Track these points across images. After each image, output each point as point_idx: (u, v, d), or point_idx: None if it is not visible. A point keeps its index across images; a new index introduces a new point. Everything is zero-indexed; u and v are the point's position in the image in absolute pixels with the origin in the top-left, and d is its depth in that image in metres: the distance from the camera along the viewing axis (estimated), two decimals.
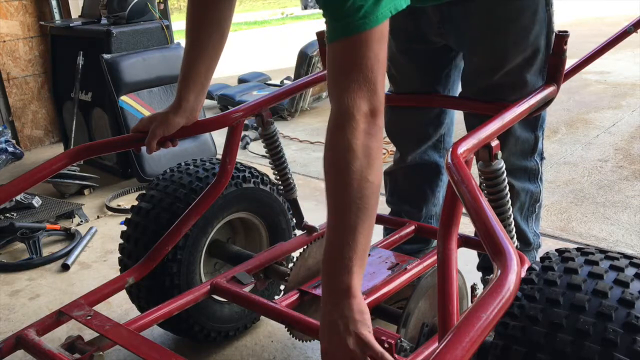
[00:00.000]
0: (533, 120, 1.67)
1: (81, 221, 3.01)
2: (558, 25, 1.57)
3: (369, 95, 1.12)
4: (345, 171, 1.10)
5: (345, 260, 1.08)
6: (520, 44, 1.58)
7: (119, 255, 1.76)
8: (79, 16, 3.98)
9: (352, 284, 1.07)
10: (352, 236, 1.09)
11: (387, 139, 2.10)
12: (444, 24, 1.67)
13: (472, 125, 1.64)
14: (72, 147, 3.59)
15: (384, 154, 3.60)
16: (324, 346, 1.10)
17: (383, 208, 2.13)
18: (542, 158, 1.76)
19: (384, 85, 1.16)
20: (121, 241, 1.76)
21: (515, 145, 1.67)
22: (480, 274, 1.87)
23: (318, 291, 1.56)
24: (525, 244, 1.80)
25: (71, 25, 3.64)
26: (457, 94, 1.85)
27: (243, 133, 3.67)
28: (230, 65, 7.42)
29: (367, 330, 1.05)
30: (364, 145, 1.10)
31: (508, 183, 1.43)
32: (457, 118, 1.97)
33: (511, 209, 1.45)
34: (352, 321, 1.05)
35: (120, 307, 2.14)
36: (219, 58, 1.57)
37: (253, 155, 3.86)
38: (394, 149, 2.05)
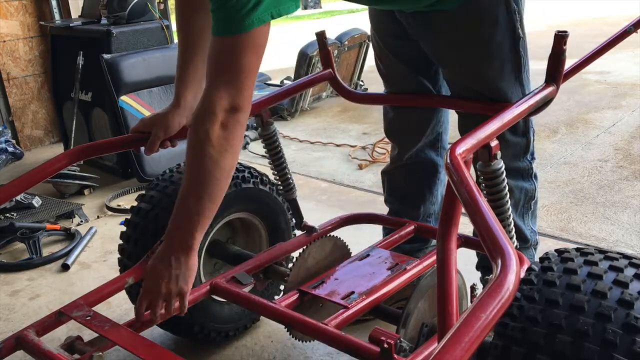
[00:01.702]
0: (522, 124, 1.68)
1: (81, 221, 3.01)
2: (558, 25, 1.57)
3: (232, 93, 1.25)
4: (200, 155, 1.27)
5: (193, 224, 1.30)
6: (482, 55, 1.59)
7: (119, 255, 1.76)
8: (79, 16, 3.98)
9: (194, 244, 1.32)
10: (200, 208, 1.29)
11: (387, 139, 2.11)
12: (410, 28, 1.69)
13: (466, 127, 1.65)
14: (72, 147, 3.59)
15: (384, 153, 3.60)
16: (151, 277, 1.34)
17: (383, 208, 2.13)
18: (533, 157, 1.77)
19: (252, 86, 1.28)
20: (121, 242, 1.76)
21: (506, 149, 1.67)
22: (479, 274, 1.87)
23: (318, 291, 1.56)
24: (523, 241, 1.81)
25: (71, 25, 3.64)
26: (447, 91, 1.86)
27: None
28: None
29: (185, 284, 1.34)
30: (220, 136, 1.25)
31: None
32: (451, 117, 1.98)
33: (510, 209, 1.45)
34: (182, 274, 1.33)
35: (120, 307, 2.14)
36: None
37: (253, 155, 3.86)
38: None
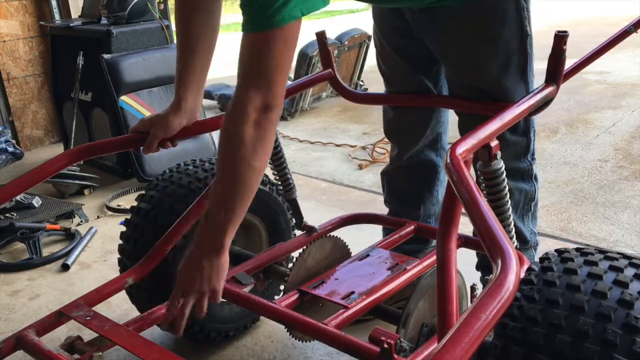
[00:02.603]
0: (523, 124, 1.67)
1: (81, 221, 3.01)
2: (558, 25, 1.58)
3: (264, 91, 1.22)
4: (232, 156, 1.26)
5: (223, 224, 1.29)
6: (490, 52, 1.58)
7: (119, 255, 1.76)
8: (79, 16, 3.97)
9: (225, 243, 1.31)
10: (230, 208, 1.28)
11: (387, 139, 2.11)
12: (416, 26, 1.69)
13: (467, 127, 1.65)
14: (72, 147, 3.59)
15: (384, 153, 3.60)
16: (184, 276, 1.34)
17: (382, 208, 2.13)
18: (533, 158, 1.77)
19: (284, 83, 1.26)
20: (121, 242, 1.76)
21: (506, 149, 1.67)
22: (479, 274, 1.87)
23: (318, 291, 1.56)
24: (523, 242, 1.81)
25: (71, 25, 3.64)
26: (447, 92, 1.85)
27: None
28: (230, 65, 7.42)
29: (217, 283, 1.33)
30: (252, 135, 1.23)
31: None
32: (450, 118, 1.98)
33: (510, 209, 1.45)
34: (213, 274, 1.32)
35: (120, 307, 2.14)
36: (213, 54, 1.57)
37: None
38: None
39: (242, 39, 1.23)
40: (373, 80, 3.27)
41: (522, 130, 1.70)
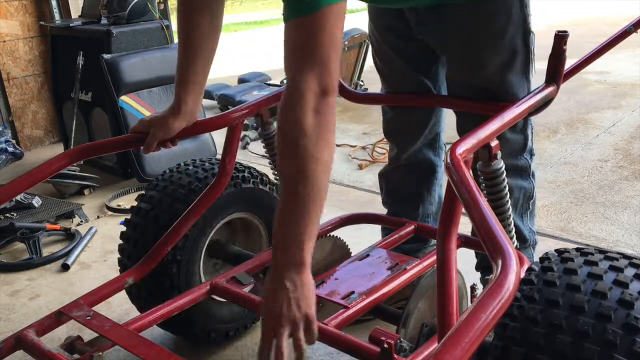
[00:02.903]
0: (521, 121, 1.68)
1: (81, 221, 3.01)
2: (558, 25, 1.58)
3: (320, 74, 1.14)
4: (295, 150, 1.13)
5: (297, 236, 1.13)
6: (496, 47, 1.59)
7: (119, 255, 1.76)
8: (79, 16, 3.97)
9: (304, 258, 1.13)
10: (301, 213, 1.13)
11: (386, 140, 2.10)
12: (419, 26, 1.69)
13: (465, 127, 1.65)
14: (72, 147, 3.59)
15: (384, 153, 3.60)
16: (270, 305, 1.16)
17: (382, 208, 2.13)
18: (532, 155, 1.77)
19: (338, 64, 1.17)
20: (121, 242, 1.76)
21: (505, 147, 1.68)
22: (479, 274, 1.87)
23: (318, 291, 1.55)
24: (522, 241, 1.81)
25: (71, 25, 3.64)
26: (446, 91, 1.85)
27: (243, 133, 3.66)
28: (230, 65, 7.42)
29: (308, 307, 1.14)
30: (313, 123, 1.13)
31: None
32: (448, 118, 1.98)
33: (510, 209, 1.45)
34: (301, 296, 1.13)
35: (120, 307, 2.14)
36: (214, 56, 1.57)
37: (253, 155, 3.86)
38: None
39: (289, 27, 1.16)
40: (373, 80, 3.27)
41: (519, 127, 1.70)
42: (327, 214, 1.44)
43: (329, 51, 1.15)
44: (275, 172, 1.87)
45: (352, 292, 1.53)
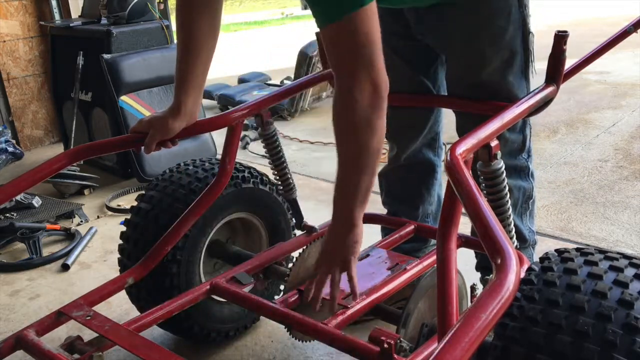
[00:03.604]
0: (519, 121, 1.68)
1: (81, 221, 3.01)
2: (558, 25, 1.58)
3: (367, 71, 1.23)
4: (352, 140, 1.29)
5: (353, 202, 1.34)
6: (496, 46, 1.60)
7: (119, 255, 1.76)
8: (79, 16, 3.98)
9: (355, 217, 1.35)
10: (357, 187, 1.32)
11: (386, 139, 2.10)
12: (419, 25, 1.69)
13: (465, 127, 1.65)
14: (72, 147, 3.59)
15: (384, 153, 3.59)
16: (325, 248, 1.42)
17: (382, 208, 2.13)
18: (529, 155, 1.77)
19: (382, 58, 1.25)
20: (121, 242, 1.76)
21: (503, 147, 1.68)
22: (479, 274, 1.87)
23: None
24: (521, 241, 1.81)
25: (71, 25, 3.64)
26: (445, 91, 1.86)
27: (243, 133, 3.66)
28: (230, 65, 7.43)
29: (353, 257, 1.38)
30: (366, 117, 1.25)
31: None
32: (447, 119, 1.98)
33: (510, 209, 1.45)
34: (347, 247, 1.37)
35: (120, 307, 2.14)
36: (213, 56, 1.57)
37: (253, 155, 3.86)
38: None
39: (327, 33, 1.24)
40: None
41: (518, 127, 1.71)
42: (327, 214, 1.44)
43: (369, 48, 1.22)
44: (275, 172, 1.87)
45: None
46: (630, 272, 1.00)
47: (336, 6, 1.19)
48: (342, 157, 1.33)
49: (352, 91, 1.24)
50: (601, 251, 1.08)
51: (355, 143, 1.29)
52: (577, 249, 1.10)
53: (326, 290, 1.55)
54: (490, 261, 0.99)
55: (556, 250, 1.12)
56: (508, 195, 1.43)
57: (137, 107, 3.37)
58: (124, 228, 1.77)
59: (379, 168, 2.09)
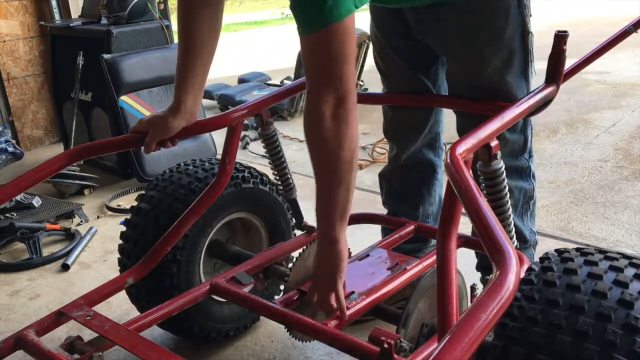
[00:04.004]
0: (520, 122, 1.68)
1: (81, 221, 3.01)
2: (558, 25, 1.58)
3: (336, 86, 1.26)
4: (321, 153, 1.32)
5: (331, 219, 1.37)
6: (495, 46, 1.60)
7: (119, 255, 1.76)
8: (79, 16, 3.97)
9: (336, 236, 1.39)
10: (332, 202, 1.35)
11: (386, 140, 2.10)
12: (418, 25, 1.69)
13: (465, 127, 1.65)
14: (72, 147, 3.59)
15: (384, 153, 3.59)
16: (314, 273, 1.47)
17: (382, 208, 2.13)
18: (531, 155, 1.77)
19: (352, 70, 1.28)
20: (121, 242, 1.76)
21: (504, 147, 1.68)
22: (479, 274, 1.87)
23: None
24: (522, 242, 1.81)
25: (71, 25, 3.64)
26: (446, 90, 1.86)
27: (243, 133, 3.66)
28: (230, 65, 7.43)
29: (339, 277, 1.41)
30: (332, 129, 1.28)
31: None
32: (447, 119, 1.98)
33: (510, 209, 1.45)
34: (332, 268, 1.40)
35: (120, 307, 2.14)
36: (214, 56, 1.57)
37: (253, 155, 3.86)
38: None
39: (303, 42, 1.27)
40: (373, 80, 3.26)
41: (519, 128, 1.71)
42: None
43: (343, 63, 1.25)
44: (275, 172, 1.87)
45: (352, 292, 1.53)
46: (630, 272, 1.00)
47: (312, 20, 1.22)
48: (316, 173, 1.35)
49: (318, 104, 1.27)
50: (601, 251, 1.08)
51: (324, 156, 1.31)
52: (577, 249, 1.10)
53: None
54: (490, 261, 0.99)
55: (556, 250, 1.12)
56: (508, 195, 1.43)
57: (137, 107, 3.37)
58: (124, 228, 1.77)
59: (380, 169, 2.10)
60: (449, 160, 1.21)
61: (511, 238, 1.46)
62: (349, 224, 1.98)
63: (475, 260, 1.91)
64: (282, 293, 1.72)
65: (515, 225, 1.74)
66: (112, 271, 2.41)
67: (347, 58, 1.25)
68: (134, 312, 1.84)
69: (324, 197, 1.35)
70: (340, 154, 1.29)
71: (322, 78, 1.26)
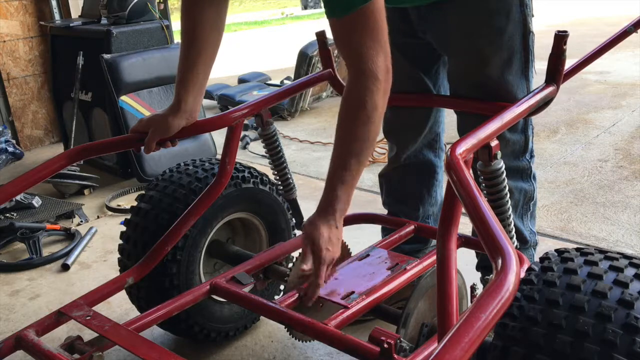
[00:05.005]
0: (521, 122, 1.68)
1: (81, 221, 3.01)
2: (558, 25, 1.58)
3: (384, 56, 1.31)
4: (366, 124, 1.32)
5: (338, 178, 1.37)
6: (496, 45, 1.60)
7: (119, 255, 1.76)
8: (79, 16, 3.98)
9: (336, 209, 1.39)
10: (349, 178, 1.36)
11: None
12: (421, 23, 1.70)
13: (465, 127, 1.65)
14: (72, 147, 3.59)
15: (384, 154, 3.60)
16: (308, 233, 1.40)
17: (382, 208, 2.13)
18: (532, 156, 1.77)
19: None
20: (121, 242, 1.76)
21: (505, 148, 1.68)
22: (479, 274, 1.87)
23: None
24: (522, 242, 1.81)
25: (71, 25, 3.64)
26: (447, 91, 1.86)
27: (243, 133, 3.67)
28: (230, 65, 7.43)
29: (335, 222, 1.39)
30: (383, 104, 1.32)
31: None
32: (447, 119, 1.97)
33: (511, 209, 1.45)
34: (331, 211, 1.40)
35: (120, 307, 2.14)
36: (216, 56, 1.57)
37: (253, 155, 3.86)
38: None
39: (342, 23, 1.30)
40: None
41: (520, 128, 1.71)
42: None
43: (384, 35, 1.31)
44: (275, 172, 1.87)
45: (352, 292, 1.53)
46: (630, 272, 1.00)
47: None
48: (340, 141, 1.35)
49: (373, 73, 1.29)
50: (601, 251, 1.08)
51: (365, 126, 1.31)
52: (577, 249, 1.10)
53: (326, 291, 1.56)
54: (490, 261, 0.99)
55: (556, 250, 1.12)
56: (508, 195, 1.43)
57: (137, 107, 3.37)
58: (124, 228, 1.77)
59: (380, 169, 2.10)
60: (449, 160, 1.21)
61: (511, 238, 1.46)
62: (349, 224, 1.99)
63: (475, 260, 1.91)
64: (282, 293, 1.72)
65: (515, 225, 1.74)
66: (112, 271, 2.41)
67: (385, 29, 1.31)
68: (134, 312, 1.84)
69: (340, 162, 1.35)
70: (378, 125, 1.33)
71: (372, 49, 1.29)
